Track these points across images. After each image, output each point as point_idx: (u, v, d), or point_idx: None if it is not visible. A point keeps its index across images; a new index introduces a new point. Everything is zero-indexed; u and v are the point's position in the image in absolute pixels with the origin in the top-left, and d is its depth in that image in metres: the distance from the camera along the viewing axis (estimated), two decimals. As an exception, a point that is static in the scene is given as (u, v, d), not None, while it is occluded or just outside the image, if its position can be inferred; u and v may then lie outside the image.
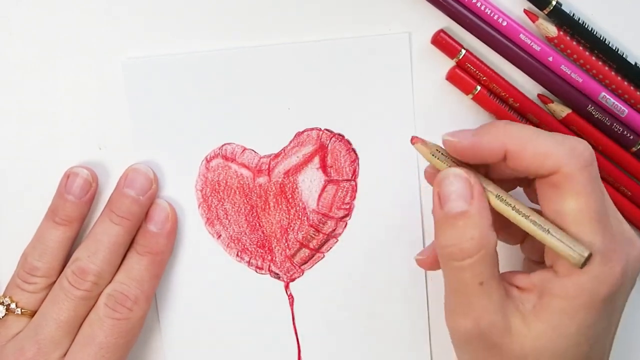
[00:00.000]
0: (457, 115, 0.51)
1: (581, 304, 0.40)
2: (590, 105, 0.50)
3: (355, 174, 0.52)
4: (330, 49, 0.51)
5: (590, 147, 0.41)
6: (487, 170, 0.44)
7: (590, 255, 0.39)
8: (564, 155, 0.40)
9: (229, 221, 0.52)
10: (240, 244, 0.52)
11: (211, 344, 0.53)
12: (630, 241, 0.41)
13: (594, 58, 0.49)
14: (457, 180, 0.41)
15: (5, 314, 0.48)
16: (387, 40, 0.51)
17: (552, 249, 0.40)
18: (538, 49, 0.49)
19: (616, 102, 0.50)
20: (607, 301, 0.40)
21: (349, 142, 0.52)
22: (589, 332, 0.41)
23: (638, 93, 0.50)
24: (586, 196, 0.39)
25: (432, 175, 0.45)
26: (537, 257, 0.46)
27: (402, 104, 0.51)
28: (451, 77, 0.50)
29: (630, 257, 0.41)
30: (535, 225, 0.40)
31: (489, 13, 0.49)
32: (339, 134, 0.52)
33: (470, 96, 0.50)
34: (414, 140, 0.44)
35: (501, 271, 0.43)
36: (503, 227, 0.44)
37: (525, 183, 0.46)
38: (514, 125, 0.42)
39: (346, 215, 0.52)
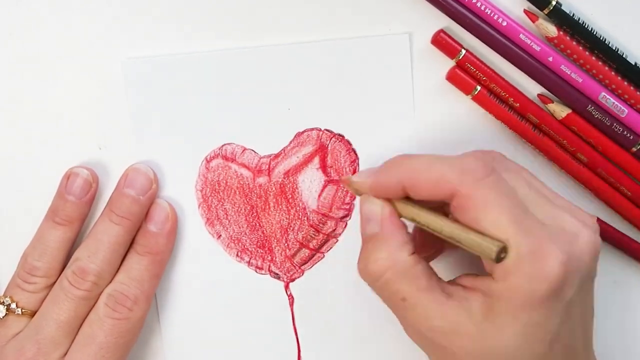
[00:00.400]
0: (457, 116, 0.51)
1: (520, 304, 0.40)
2: (590, 105, 0.50)
3: (355, 174, 0.52)
4: (330, 49, 0.51)
5: (485, 158, 0.42)
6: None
7: (504, 248, 0.39)
8: (455, 178, 0.41)
9: (229, 221, 0.52)
10: (240, 244, 0.52)
11: (211, 344, 0.53)
12: (571, 234, 0.41)
13: (593, 58, 0.49)
14: (370, 204, 0.45)
15: (6, 314, 0.48)
16: (388, 41, 0.51)
17: (469, 250, 0.41)
18: (538, 49, 0.49)
19: (616, 102, 0.49)
20: (551, 298, 0.40)
21: (349, 143, 0.52)
22: (538, 331, 0.41)
23: (638, 93, 0.50)
24: (492, 206, 0.40)
25: None
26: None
27: (402, 104, 0.51)
28: (451, 77, 0.50)
29: (572, 250, 0.41)
30: (448, 232, 0.42)
31: (489, 13, 0.49)
32: (339, 134, 0.52)
33: (470, 96, 0.50)
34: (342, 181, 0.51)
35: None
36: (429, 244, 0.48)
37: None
38: (410, 158, 0.44)
39: (346, 216, 0.52)
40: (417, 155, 0.45)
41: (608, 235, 0.52)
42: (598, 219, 0.51)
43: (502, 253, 0.39)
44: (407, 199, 0.44)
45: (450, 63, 0.50)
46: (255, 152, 0.52)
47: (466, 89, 0.50)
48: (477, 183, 0.41)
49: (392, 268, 0.43)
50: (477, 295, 0.42)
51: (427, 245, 0.48)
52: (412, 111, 0.51)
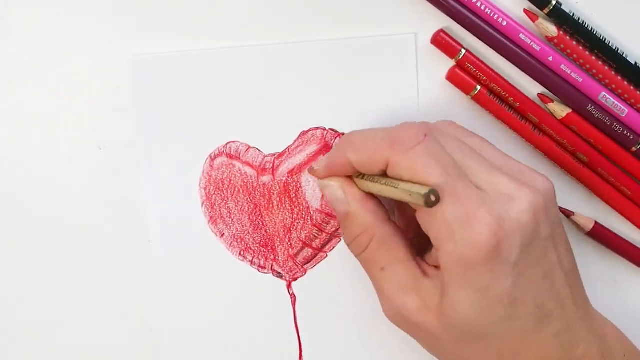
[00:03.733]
0: (457, 115, 0.51)
1: (460, 271, 0.41)
2: (590, 105, 0.49)
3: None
4: (336, 49, 0.51)
5: (417, 127, 0.43)
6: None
7: (431, 193, 0.39)
8: (386, 149, 0.42)
9: (232, 220, 0.52)
10: (243, 243, 0.53)
11: (212, 343, 0.53)
12: (507, 197, 0.41)
13: (594, 58, 0.49)
14: (329, 187, 0.46)
15: None
16: (393, 41, 0.51)
17: (403, 201, 0.41)
18: (538, 48, 0.49)
19: (616, 102, 0.49)
20: (490, 262, 0.40)
21: (353, 143, 0.52)
22: (490, 295, 0.41)
23: (638, 93, 0.49)
24: (420, 174, 0.41)
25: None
26: None
27: (407, 104, 0.51)
28: (451, 77, 0.50)
29: (507, 213, 0.41)
30: (388, 186, 0.42)
31: (489, 13, 0.49)
32: (344, 134, 0.52)
33: (470, 96, 0.50)
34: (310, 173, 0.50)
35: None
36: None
37: None
38: (351, 134, 0.46)
39: (349, 215, 0.52)
40: (357, 131, 0.46)
41: (607, 240, 0.52)
42: (596, 223, 0.51)
43: (432, 197, 0.39)
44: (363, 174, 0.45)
45: (450, 63, 0.51)
46: (259, 150, 0.52)
47: (466, 89, 0.50)
48: (407, 152, 0.42)
49: (373, 237, 0.45)
50: (439, 272, 0.43)
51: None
52: (417, 111, 0.51)
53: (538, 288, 0.42)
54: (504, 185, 0.42)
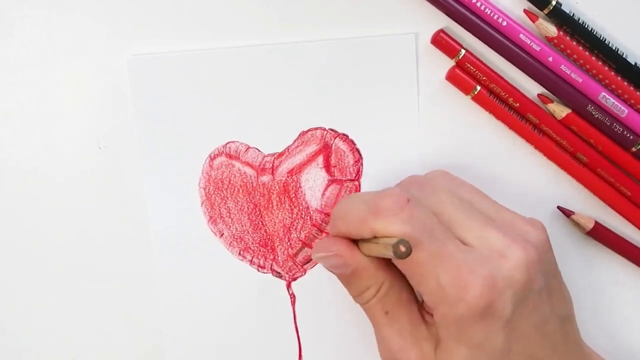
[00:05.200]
0: (456, 116, 0.51)
1: (457, 328, 0.41)
2: (590, 105, 0.49)
3: (359, 174, 0.52)
4: (336, 49, 0.51)
5: (399, 192, 0.43)
6: None
7: (400, 243, 0.38)
8: (371, 218, 0.42)
9: (232, 220, 0.52)
10: (242, 242, 0.53)
11: (212, 343, 0.53)
12: (498, 254, 0.41)
13: (593, 58, 0.49)
14: (327, 259, 0.46)
15: None
16: (394, 41, 0.51)
17: (385, 256, 0.42)
18: (538, 49, 0.49)
19: (616, 102, 0.49)
20: (484, 320, 0.41)
21: (353, 142, 0.52)
22: (484, 350, 0.42)
23: (638, 93, 0.49)
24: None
25: None
26: None
27: (407, 105, 0.52)
28: (451, 77, 0.50)
29: (498, 271, 0.41)
30: (373, 243, 0.42)
31: (489, 13, 0.49)
32: (344, 134, 0.52)
33: (470, 96, 0.50)
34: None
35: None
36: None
37: None
38: (340, 206, 0.45)
39: (349, 215, 0.52)
40: (344, 201, 0.45)
41: (607, 240, 0.52)
42: (596, 223, 0.51)
43: (401, 247, 0.38)
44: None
45: (450, 63, 0.51)
46: (259, 150, 0.52)
47: (466, 89, 0.50)
48: (390, 220, 0.41)
49: (381, 285, 0.45)
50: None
51: None
52: (416, 111, 0.51)
53: (531, 339, 0.43)
54: (495, 240, 0.42)
